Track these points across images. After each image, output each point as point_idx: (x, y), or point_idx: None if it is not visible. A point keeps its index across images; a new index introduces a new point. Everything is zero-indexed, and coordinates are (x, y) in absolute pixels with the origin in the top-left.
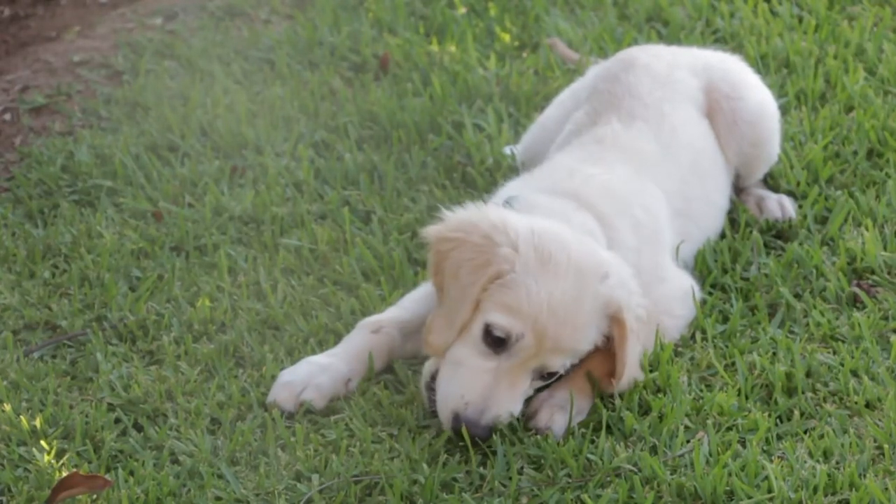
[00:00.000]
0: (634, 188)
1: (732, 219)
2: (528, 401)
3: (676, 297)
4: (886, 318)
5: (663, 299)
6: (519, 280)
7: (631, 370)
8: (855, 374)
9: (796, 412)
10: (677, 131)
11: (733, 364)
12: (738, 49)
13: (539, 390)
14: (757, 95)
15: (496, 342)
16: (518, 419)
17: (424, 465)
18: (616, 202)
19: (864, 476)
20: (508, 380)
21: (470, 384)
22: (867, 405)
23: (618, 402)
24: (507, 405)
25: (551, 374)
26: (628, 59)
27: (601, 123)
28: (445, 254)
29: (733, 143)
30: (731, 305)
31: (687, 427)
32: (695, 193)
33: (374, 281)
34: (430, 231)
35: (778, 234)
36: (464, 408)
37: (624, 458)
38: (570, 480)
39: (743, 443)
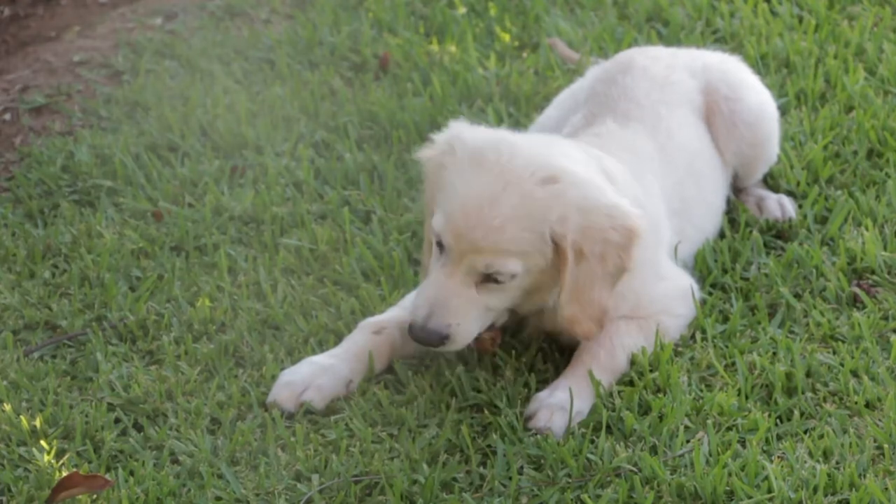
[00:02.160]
0: (636, 172)
1: (732, 219)
2: (528, 401)
3: (675, 296)
4: (886, 318)
5: (662, 298)
6: (447, 179)
7: (575, 300)
8: (855, 374)
9: (796, 412)
10: (673, 133)
11: (733, 364)
12: (738, 49)
13: (538, 389)
14: (756, 96)
15: (439, 245)
16: (517, 419)
17: (424, 465)
18: (617, 179)
19: (864, 476)
20: (451, 284)
21: (420, 292)
22: (867, 405)
23: (618, 402)
24: (457, 313)
25: (495, 278)
26: (626, 62)
27: (597, 125)
28: (425, 184)
29: (732, 144)
30: (731, 305)
31: (687, 427)
32: (691, 194)
33: (374, 281)
34: (424, 154)
35: (778, 234)
36: (413, 314)
37: (624, 458)
38: (570, 480)
39: (743, 443)
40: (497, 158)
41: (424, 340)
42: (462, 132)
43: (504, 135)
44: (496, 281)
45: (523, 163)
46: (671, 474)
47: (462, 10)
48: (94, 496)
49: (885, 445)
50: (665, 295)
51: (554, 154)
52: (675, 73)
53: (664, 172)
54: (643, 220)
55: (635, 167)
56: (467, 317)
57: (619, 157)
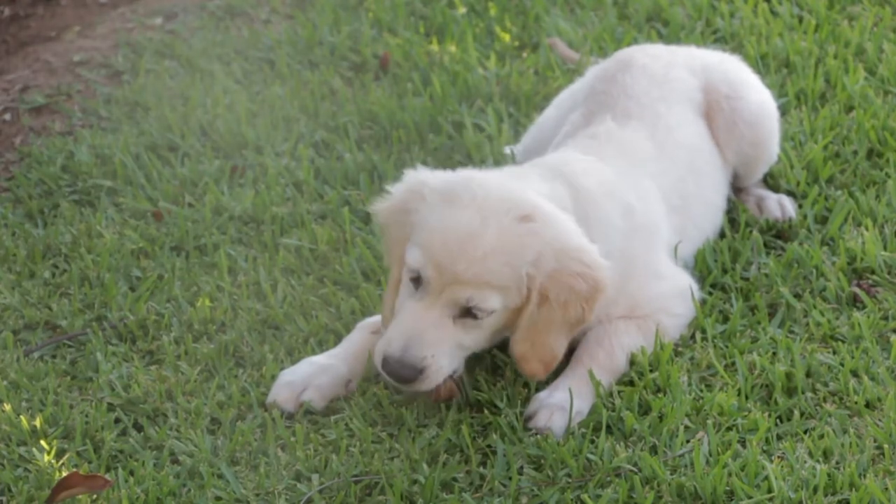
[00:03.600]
0: (629, 179)
1: (732, 219)
2: (528, 401)
3: (674, 295)
4: (886, 318)
5: (661, 297)
6: (422, 218)
7: (528, 340)
8: (855, 374)
9: (796, 412)
10: (672, 131)
11: (733, 364)
12: (738, 49)
13: (538, 389)
14: (756, 96)
15: (416, 281)
16: (517, 419)
17: (424, 465)
18: (604, 184)
19: (864, 476)
20: (429, 317)
21: (394, 326)
22: (867, 405)
23: (618, 402)
24: (433, 346)
25: (474, 312)
26: (626, 60)
27: (595, 123)
28: (383, 224)
29: (733, 144)
30: (731, 305)
31: (687, 427)
32: (691, 192)
33: (374, 281)
34: (377, 214)
35: (778, 234)
36: (388, 348)
37: (624, 458)
38: (570, 480)
39: (743, 443)
40: (472, 196)
41: (398, 374)
42: (424, 177)
43: (470, 173)
44: (474, 317)
45: (497, 199)
46: (671, 474)
47: (462, 10)
48: (94, 496)
49: (885, 445)
50: (663, 294)
51: (526, 192)
52: (674, 70)
53: (663, 170)
54: (609, 273)
55: (629, 172)
56: (443, 351)
57: (612, 162)
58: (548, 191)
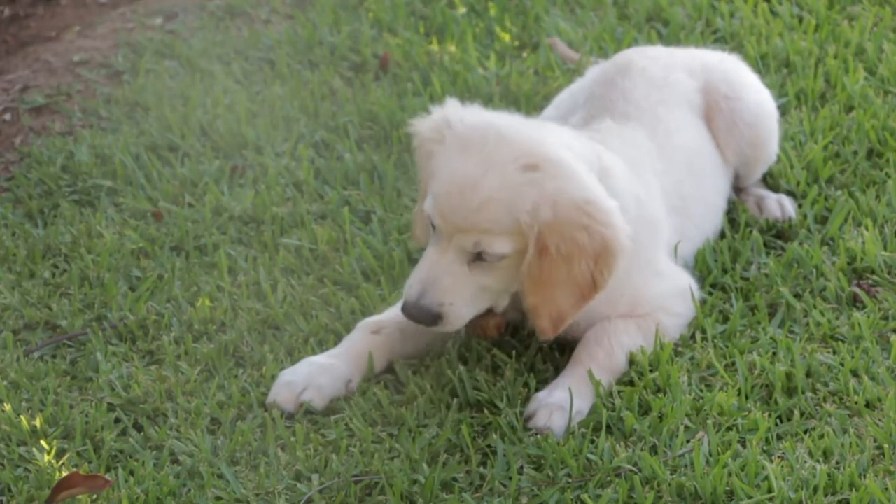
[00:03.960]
0: (637, 171)
1: (732, 219)
2: (528, 401)
3: (674, 294)
4: (886, 318)
5: (661, 296)
6: (437, 164)
7: (536, 292)
8: (855, 374)
9: (796, 412)
10: (672, 133)
11: (733, 364)
12: (738, 49)
13: (538, 390)
14: (756, 96)
15: (432, 226)
16: (517, 419)
17: (424, 465)
18: (621, 168)
19: (864, 476)
20: (444, 263)
21: (415, 272)
22: (867, 405)
23: (618, 401)
24: (451, 292)
25: (484, 257)
26: (624, 63)
27: (595, 124)
28: (417, 157)
29: (732, 144)
30: (731, 305)
31: (687, 427)
32: (690, 192)
33: (374, 281)
34: (413, 133)
35: (778, 233)
36: (407, 292)
37: (624, 458)
38: (570, 480)
39: (743, 443)
40: (483, 144)
41: (417, 318)
42: (451, 117)
43: (494, 119)
44: (485, 260)
45: (508, 148)
46: (671, 474)
47: (462, 10)
48: (94, 496)
49: (885, 445)
50: (663, 293)
51: (544, 142)
52: (673, 73)
53: (663, 170)
54: (625, 235)
55: (636, 163)
56: (460, 296)
57: (620, 151)
58: (579, 147)
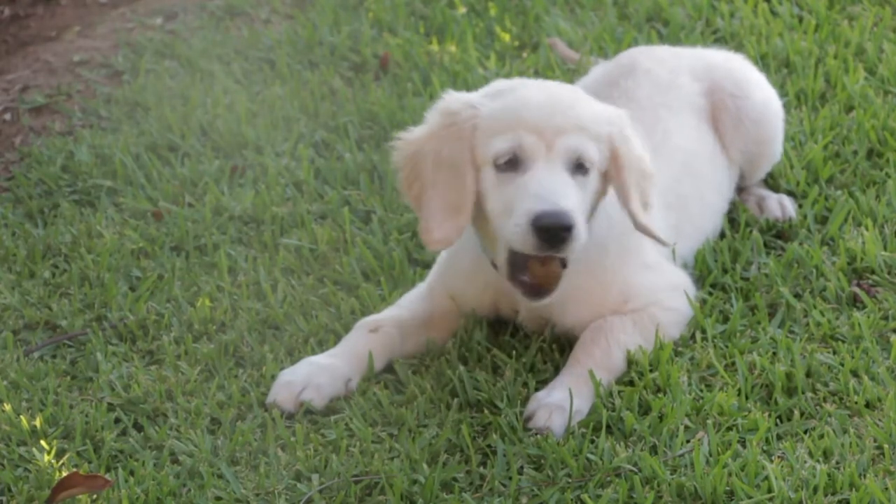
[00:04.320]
0: None
1: (732, 219)
2: (528, 401)
3: (666, 287)
4: (886, 318)
5: (653, 290)
6: (487, 113)
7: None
8: (855, 374)
9: (796, 412)
10: (670, 134)
11: (733, 364)
12: (738, 49)
13: (538, 390)
14: (761, 94)
15: (511, 165)
16: (517, 419)
17: (424, 465)
18: None
19: (864, 476)
20: (546, 175)
21: (522, 197)
22: (867, 405)
23: (618, 401)
24: (569, 196)
25: (583, 164)
26: (629, 64)
27: None
28: (421, 157)
29: (738, 142)
30: (731, 305)
31: (687, 427)
32: (687, 192)
33: (374, 281)
34: (400, 148)
35: (778, 233)
36: (533, 211)
37: (624, 458)
38: (570, 480)
39: (743, 443)
40: (516, 83)
41: (559, 225)
42: (467, 98)
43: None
44: (584, 171)
45: (543, 82)
46: (671, 474)
47: (462, 10)
48: (94, 496)
49: (885, 445)
50: (656, 287)
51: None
52: (678, 77)
53: (658, 168)
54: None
55: None
56: (580, 212)
57: None
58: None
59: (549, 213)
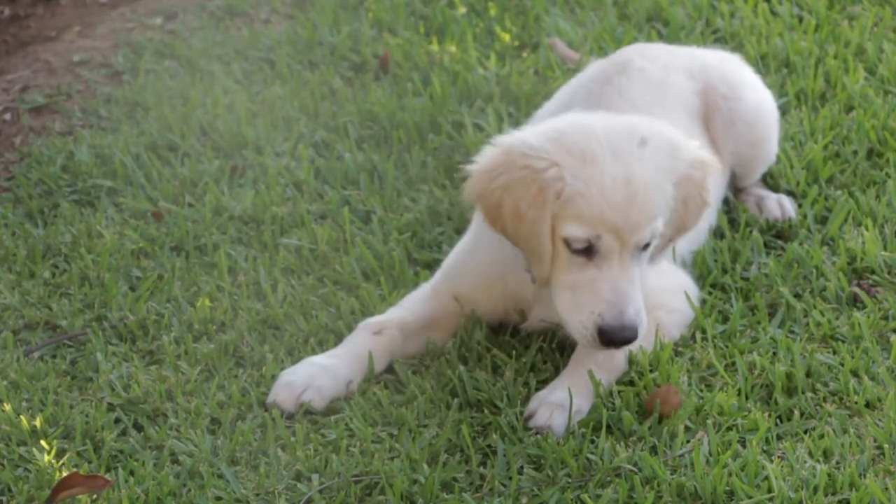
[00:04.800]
0: None
1: (732, 219)
2: (528, 401)
3: (671, 290)
4: (886, 318)
5: (658, 292)
6: (573, 188)
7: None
8: (855, 374)
9: (796, 412)
10: None
11: (733, 364)
12: (738, 49)
13: (538, 389)
14: (755, 96)
15: (585, 251)
16: (517, 419)
17: (424, 465)
18: None
19: (864, 476)
20: (626, 277)
21: (591, 298)
22: (867, 405)
23: (618, 402)
24: (636, 297)
25: (648, 244)
26: (623, 63)
27: None
28: (497, 201)
29: (730, 144)
30: (731, 305)
31: (687, 427)
32: None
33: (374, 281)
34: (471, 186)
35: (778, 234)
36: (601, 320)
37: (624, 458)
38: (570, 480)
39: (743, 443)
40: (599, 143)
41: (627, 337)
42: (531, 142)
43: (565, 122)
44: (646, 247)
45: (615, 135)
46: (671, 474)
47: (462, 10)
48: (94, 496)
49: (885, 445)
50: (660, 289)
51: (615, 116)
52: (671, 75)
53: None
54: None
55: None
56: (640, 291)
57: None
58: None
59: (617, 329)
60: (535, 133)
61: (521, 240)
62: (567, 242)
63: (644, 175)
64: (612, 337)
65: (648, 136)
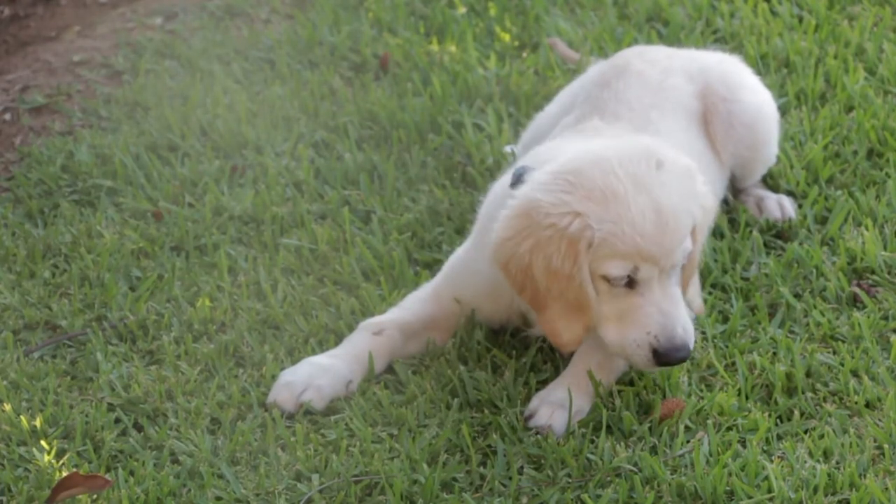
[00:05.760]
0: None
1: (732, 219)
2: (528, 401)
3: None
4: (886, 318)
5: None
6: (602, 232)
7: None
8: (855, 374)
9: (796, 412)
10: (660, 136)
11: (733, 364)
12: (738, 49)
13: (538, 389)
14: (754, 97)
15: (627, 283)
16: (517, 419)
17: (424, 465)
18: None
19: (864, 476)
20: (670, 298)
21: (642, 322)
22: (867, 405)
23: (618, 402)
24: (681, 315)
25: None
26: (621, 65)
27: (584, 123)
28: (527, 265)
29: (730, 145)
30: (731, 305)
31: (687, 427)
32: None
33: (374, 281)
34: (498, 255)
35: (778, 234)
36: (656, 342)
37: (624, 458)
38: (570, 480)
39: (743, 443)
40: (617, 176)
41: (683, 356)
42: (546, 199)
43: (573, 160)
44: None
45: (631, 162)
46: (671, 474)
47: (462, 10)
48: (94, 496)
49: (885, 445)
50: None
51: (624, 140)
52: (670, 78)
53: None
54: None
55: None
56: (684, 309)
57: None
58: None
59: (672, 350)
60: (546, 185)
61: (553, 299)
62: (606, 279)
63: (670, 200)
64: (668, 359)
65: (662, 158)
